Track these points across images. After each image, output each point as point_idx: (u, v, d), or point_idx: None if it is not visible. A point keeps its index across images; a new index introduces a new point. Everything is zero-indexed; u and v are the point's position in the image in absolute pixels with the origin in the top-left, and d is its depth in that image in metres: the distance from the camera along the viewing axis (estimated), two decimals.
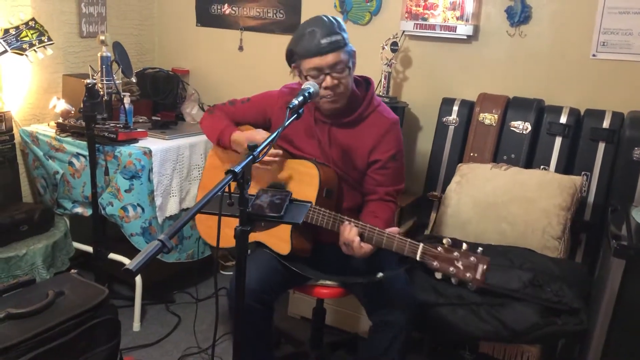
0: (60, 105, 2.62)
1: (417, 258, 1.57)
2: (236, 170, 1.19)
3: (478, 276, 1.48)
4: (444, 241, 1.53)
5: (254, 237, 1.89)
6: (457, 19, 2.60)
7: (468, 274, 1.49)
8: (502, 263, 2.02)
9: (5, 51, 2.30)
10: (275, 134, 1.45)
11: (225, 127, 2.00)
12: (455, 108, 2.58)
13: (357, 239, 1.64)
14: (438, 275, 1.54)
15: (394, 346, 1.75)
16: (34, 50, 2.38)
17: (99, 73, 2.59)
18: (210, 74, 3.38)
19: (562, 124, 2.36)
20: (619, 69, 2.39)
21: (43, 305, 1.67)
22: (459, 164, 2.47)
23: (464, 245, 1.51)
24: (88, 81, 2.30)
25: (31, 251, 2.27)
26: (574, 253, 2.37)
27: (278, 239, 1.84)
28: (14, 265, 2.23)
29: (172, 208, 2.59)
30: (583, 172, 2.33)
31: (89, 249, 2.57)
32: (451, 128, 2.59)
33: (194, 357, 2.36)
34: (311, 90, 1.69)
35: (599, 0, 2.36)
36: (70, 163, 2.53)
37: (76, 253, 2.61)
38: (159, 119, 2.93)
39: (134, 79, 2.88)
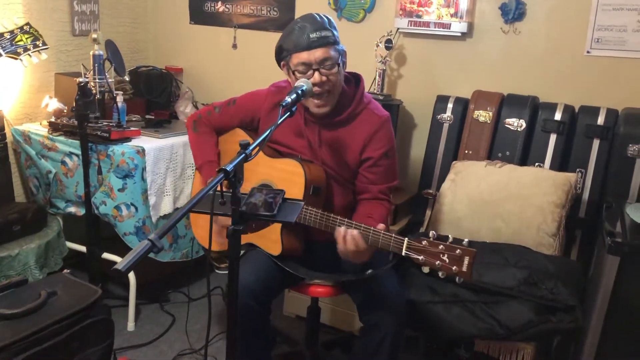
0: (53, 104, 2.60)
1: (403, 253, 1.55)
2: (227, 169, 1.18)
3: (464, 268, 1.47)
4: (430, 234, 1.51)
5: (245, 238, 1.87)
6: (452, 16, 2.59)
7: (454, 267, 1.47)
8: (497, 261, 2.01)
9: (0, 55, 2.29)
10: (267, 132, 1.44)
11: (204, 164, 1.99)
12: (450, 105, 2.58)
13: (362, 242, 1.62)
14: (425, 270, 1.52)
15: (382, 349, 1.73)
16: (29, 54, 2.38)
17: (92, 71, 2.57)
18: (204, 72, 3.37)
19: (556, 120, 2.36)
20: (614, 65, 2.39)
21: (35, 306, 1.65)
22: (454, 162, 2.47)
23: (450, 238, 1.50)
24: (80, 80, 2.29)
25: (24, 251, 2.26)
26: (569, 250, 2.37)
27: (269, 240, 1.83)
28: (7, 266, 2.21)
29: (166, 207, 2.57)
30: (578, 169, 2.33)
31: (83, 248, 2.56)
32: (446, 126, 2.59)
33: (188, 357, 2.35)
34: (304, 87, 1.67)
35: None
36: (63, 162, 2.51)
37: (70, 253, 2.60)
38: (153, 117, 2.91)
39: (127, 78, 2.87)
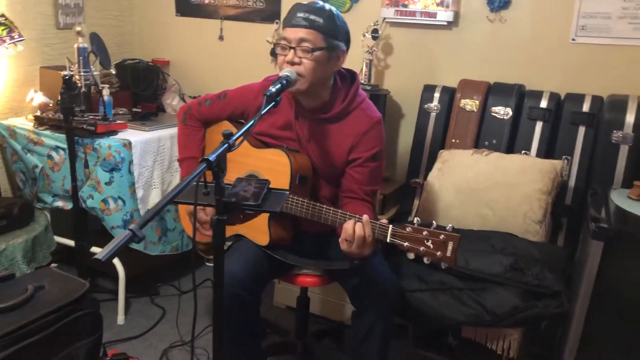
0: (38, 98, 2.58)
1: (388, 240, 1.56)
2: (210, 158, 1.18)
3: (448, 253, 1.48)
4: (414, 221, 1.52)
5: (233, 230, 1.88)
6: (438, 5, 2.59)
7: (438, 252, 1.48)
8: (484, 248, 2.03)
9: None
10: (251, 122, 1.43)
11: (185, 159, 2.03)
12: (437, 95, 2.58)
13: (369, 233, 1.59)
14: (410, 256, 1.53)
15: (375, 331, 1.74)
16: (5, 47, 2.35)
17: (76, 65, 2.55)
18: (191, 65, 3.35)
19: (542, 108, 2.37)
20: (599, 52, 2.40)
21: (22, 300, 1.65)
22: (441, 151, 2.48)
23: (434, 224, 1.51)
24: (65, 73, 2.27)
25: (11, 246, 2.25)
26: (555, 237, 2.38)
27: (256, 230, 1.83)
28: None
29: (154, 200, 2.56)
30: (564, 156, 2.34)
31: (71, 242, 2.55)
32: (433, 115, 2.59)
33: (178, 350, 2.36)
34: (290, 77, 1.66)
35: None
36: (49, 156, 2.49)
37: (58, 247, 2.58)
38: (140, 110, 2.90)
39: (113, 71, 2.85)
